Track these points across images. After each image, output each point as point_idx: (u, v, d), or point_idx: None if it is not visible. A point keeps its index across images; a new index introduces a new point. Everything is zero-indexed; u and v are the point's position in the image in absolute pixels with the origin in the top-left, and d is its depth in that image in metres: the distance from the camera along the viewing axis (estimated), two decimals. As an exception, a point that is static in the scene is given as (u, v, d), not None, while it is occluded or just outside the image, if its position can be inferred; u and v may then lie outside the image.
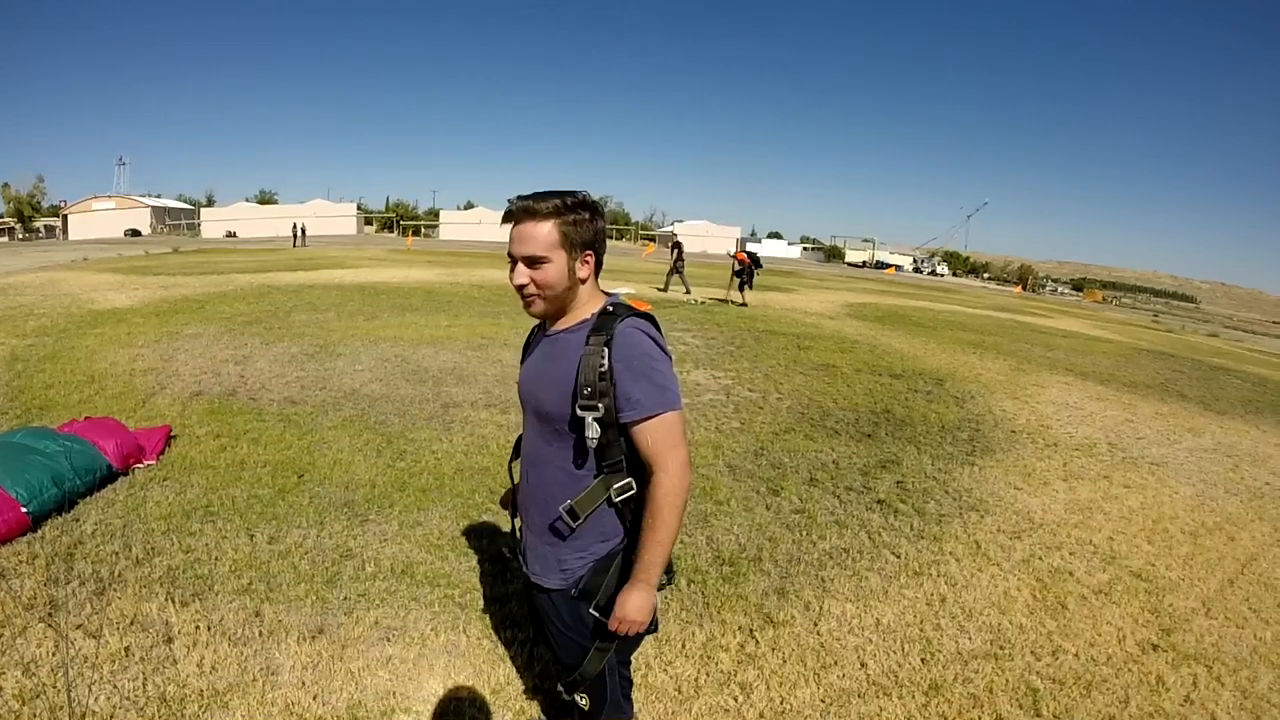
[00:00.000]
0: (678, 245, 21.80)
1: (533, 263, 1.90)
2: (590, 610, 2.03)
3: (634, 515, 1.98)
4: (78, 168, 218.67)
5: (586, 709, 2.15)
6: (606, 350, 1.87)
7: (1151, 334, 27.08)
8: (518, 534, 2.27)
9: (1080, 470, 6.55)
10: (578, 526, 1.98)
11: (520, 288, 1.95)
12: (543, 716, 2.90)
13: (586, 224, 1.94)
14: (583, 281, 1.99)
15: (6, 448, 4.51)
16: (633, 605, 1.93)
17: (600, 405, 1.85)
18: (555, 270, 1.91)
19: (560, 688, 2.19)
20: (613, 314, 1.95)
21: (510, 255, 1.95)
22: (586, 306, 2.01)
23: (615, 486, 1.95)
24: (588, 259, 1.97)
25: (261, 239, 55.96)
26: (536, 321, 2.18)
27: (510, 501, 2.49)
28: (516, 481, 2.39)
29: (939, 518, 5.14)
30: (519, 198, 1.92)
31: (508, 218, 1.95)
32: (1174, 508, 5.78)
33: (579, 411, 1.87)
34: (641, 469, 1.94)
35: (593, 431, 1.86)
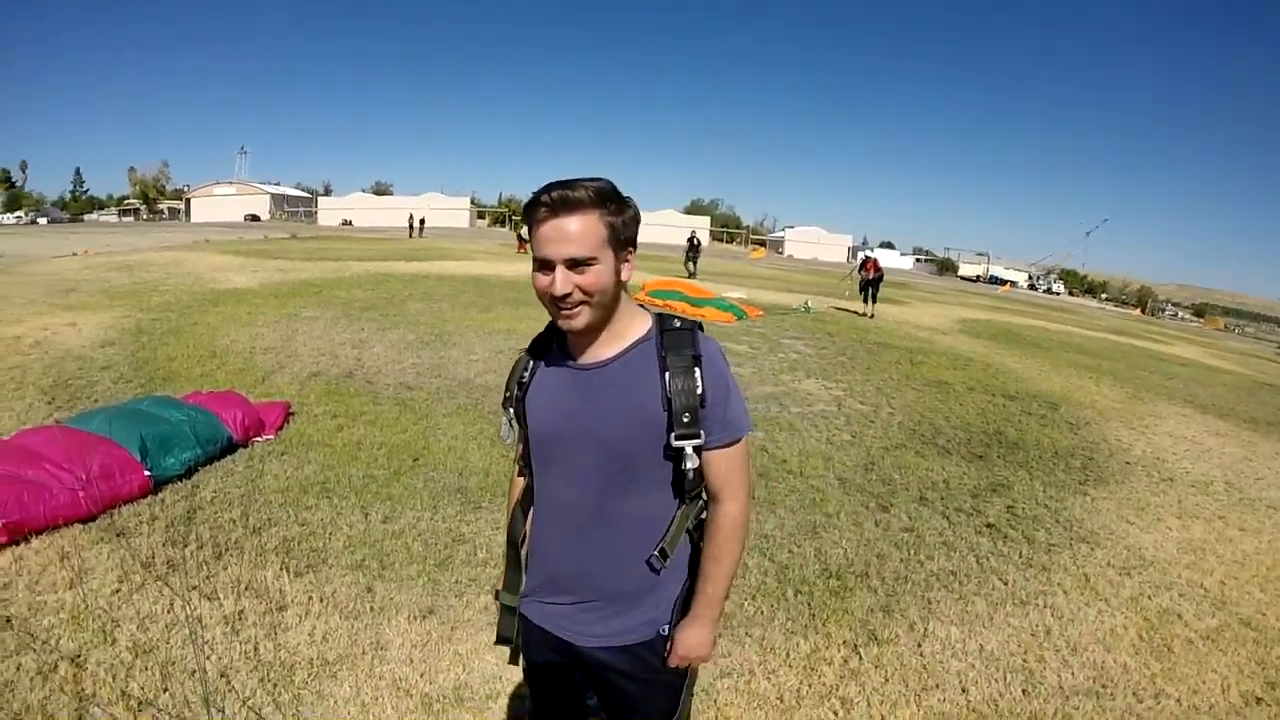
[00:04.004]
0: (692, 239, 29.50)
1: (576, 265, 1.58)
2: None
3: (694, 543, 1.81)
4: (202, 155, 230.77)
5: None
6: (698, 370, 1.65)
7: (1274, 367, 25.45)
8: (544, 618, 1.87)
9: (1195, 509, 6.19)
10: (668, 563, 1.76)
11: (563, 298, 1.60)
12: None
13: (629, 215, 1.66)
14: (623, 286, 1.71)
15: (133, 414, 4.81)
16: (696, 641, 1.75)
17: (701, 432, 1.64)
18: (605, 272, 1.61)
19: None
20: (681, 328, 1.71)
21: (542, 259, 1.62)
22: (632, 322, 1.74)
23: (694, 514, 1.77)
24: (629, 258, 1.69)
25: (377, 229, 57.70)
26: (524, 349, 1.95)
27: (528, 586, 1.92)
28: (526, 552, 1.94)
29: (1048, 547, 4.96)
30: (550, 186, 1.59)
31: (535, 211, 1.60)
32: (1292, 556, 5.43)
33: (675, 441, 1.63)
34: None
35: (692, 463, 1.65)
